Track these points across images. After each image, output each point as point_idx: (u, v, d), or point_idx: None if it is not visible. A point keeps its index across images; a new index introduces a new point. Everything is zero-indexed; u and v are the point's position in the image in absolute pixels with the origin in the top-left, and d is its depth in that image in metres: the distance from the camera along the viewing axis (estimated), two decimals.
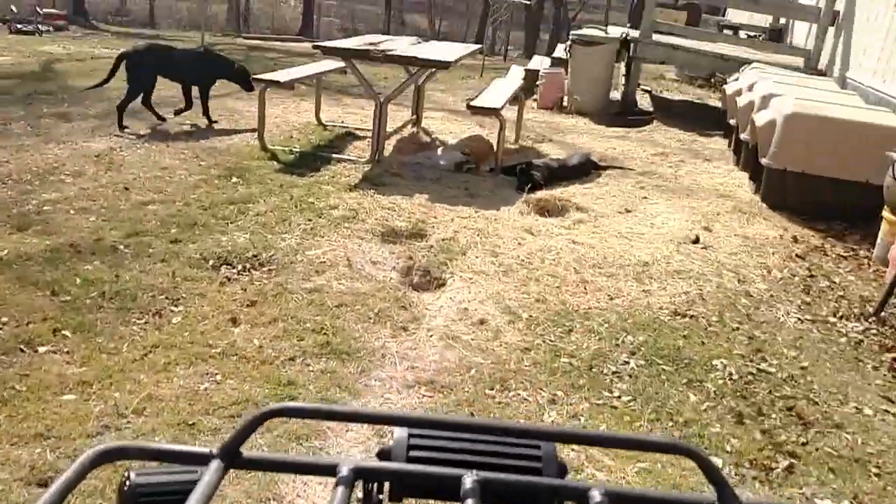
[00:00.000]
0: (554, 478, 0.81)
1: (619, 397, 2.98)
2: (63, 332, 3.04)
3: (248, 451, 0.72)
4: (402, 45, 6.49)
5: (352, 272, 3.89)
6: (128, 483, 0.71)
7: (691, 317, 3.71)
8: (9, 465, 2.26)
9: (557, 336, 3.42)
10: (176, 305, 3.40)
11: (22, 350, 2.88)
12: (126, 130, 6.23)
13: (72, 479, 0.64)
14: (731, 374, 3.22)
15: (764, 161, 5.45)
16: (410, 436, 0.82)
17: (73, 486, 0.64)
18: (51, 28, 13.87)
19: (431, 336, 3.33)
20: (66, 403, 2.57)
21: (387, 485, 0.81)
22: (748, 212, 5.35)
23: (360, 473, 0.71)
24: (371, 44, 6.23)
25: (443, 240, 4.42)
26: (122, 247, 3.94)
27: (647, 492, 0.88)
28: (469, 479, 0.70)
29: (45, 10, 15.21)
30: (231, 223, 4.41)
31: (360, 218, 4.62)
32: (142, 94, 6.47)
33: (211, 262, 3.87)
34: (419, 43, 6.97)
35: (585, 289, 3.94)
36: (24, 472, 2.23)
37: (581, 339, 3.40)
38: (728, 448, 2.69)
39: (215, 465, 0.68)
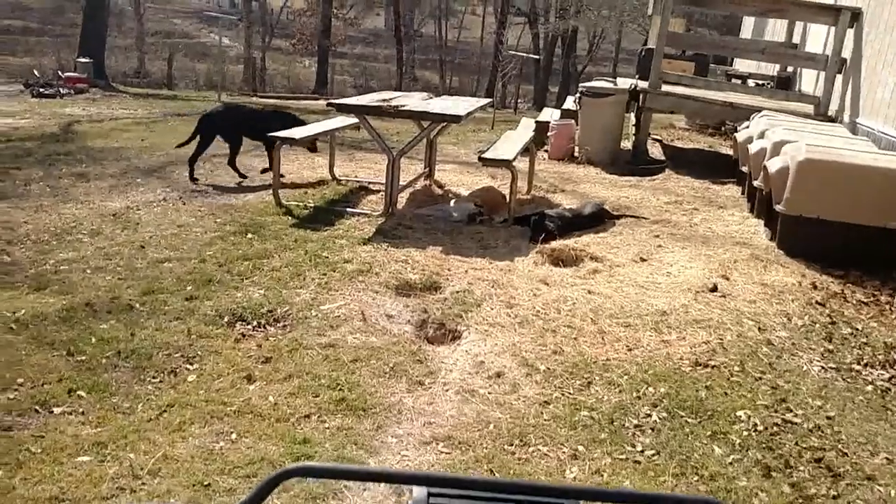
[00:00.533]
0: None
1: (643, 451, 2.91)
2: (78, 392, 3.03)
3: None
4: (414, 100, 6.59)
5: (366, 326, 3.87)
6: None
7: (713, 367, 3.64)
8: None
9: (576, 389, 3.37)
10: (191, 363, 3.38)
11: (37, 411, 2.87)
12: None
13: None
14: (755, 425, 3.14)
15: (778, 208, 5.42)
16: (430, 495, 0.82)
17: None
18: (72, 91, 14.22)
19: (448, 390, 3.29)
20: (80, 465, 2.55)
21: None
22: (765, 259, 5.30)
23: None
24: (383, 100, 6.33)
25: (457, 292, 4.41)
26: (137, 305, 3.95)
27: None
28: None
29: (66, 73, 15.63)
30: (246, 279, 4.42)
31: (374, 271, 4.62)
32: (229, 154, 6.96)
33: (226, 319, 3.87)
34: (430, 98, 7.08)
35: (603, 339, 3.89)
36: None
37: (601, 392, 3.34)
38: (756, 502, 2.61)
39: None
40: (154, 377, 3.23)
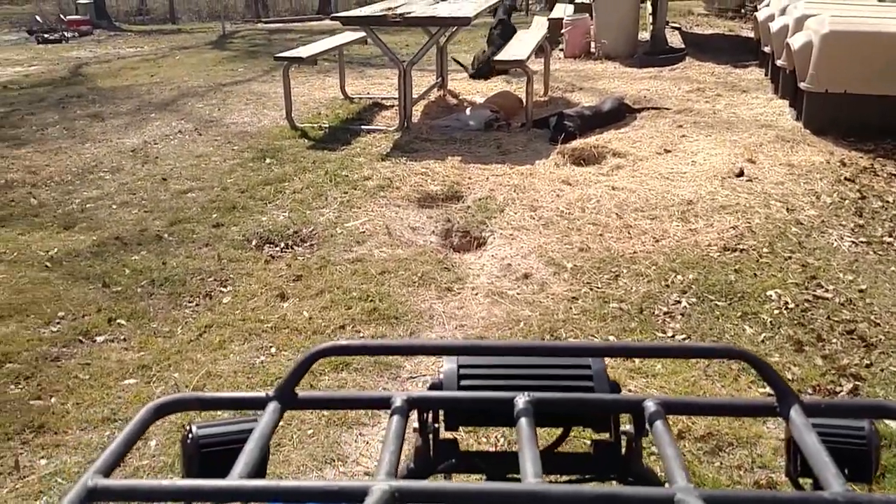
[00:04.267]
0: (606, 393, 0.80)
1: (673, 336, 2.94)
2: (118, 320, 3.11)
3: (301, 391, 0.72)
4: (420, 6, 6.39)
5: (392, 240, 3.89)
6: (190, 436, 0.74)
7: (741, 250, 3.62)
8: (81, 448, 2.33)
9: (604, 283, 3.38)
10: (224, 286, 3.45)
11: (81, 341, 2.96)
12: (157, 125, 6.34)
13: (134, 432, 0.65)
14: (786, 303, 3.14)
15: (803, 85, 5.26)
16: (460, 366, 0.82)
17: (136, 439, 0.65)
18: (76, 34, 14.04)
19: (477, 294, 3.32)
20: (128, 387, 2.64)
21: (441, 415, 0.82)
22: (791, 139, 5.18)
23: (413, 403, 0.71)
24: (389, 9, 6.15)
25: (479, 199, 4.39)
26: (166, 235, 4.01)
27: (702, 399, 0.85)
28: (521, 399, 0.69)
29: (68, 17, 15.41)
30: (269, 203, 4.44)
31: (395, 186, 4.61)
32: None
33: (254, 242, 3.91)
34: (437, 2, 6.87)
35: (629, 233, 3.87)
36: (97, 455, 2.29)
37: (629, 284, 3.35)
38: (790, 375, 2.64)
39: (272, 406, 0.69)
40: (190, 301, 3.30)
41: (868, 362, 2.72)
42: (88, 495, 0.55)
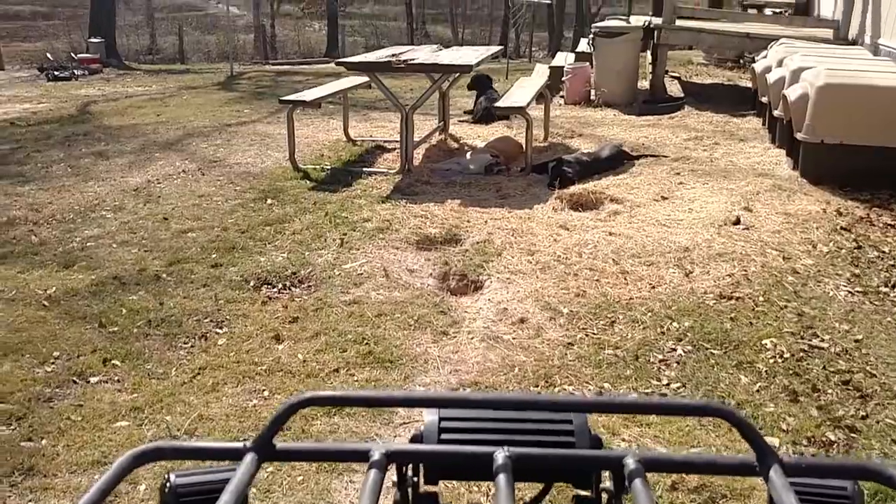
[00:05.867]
0: (587, 449, 0.80)
1: (668, 384, 2.93)
2: (113, 361, 3.11)
3: (280, 442, 0.72)
4: (424, 53, 6.52)
5: (389, 282, 3.90)
6: (168, 484, 0.72)
7: (737, 298, 3.63)
8: (69, 492, 2.32)
9: (600, 329, 3.38)
10: (220, 327, 3.45)
11: (75, 382, 2.96)
12: (161, 164, 6.40)
13: (111, 480, 0.64)
14: (782, 352, 3.14)
15: (799, 136, 5.33)
16: (441, 418, 0.81)
17: (112, 488, 0.64)
18: (86, 72, 14.27)
19: (472, 338, 3.33)
20: (119, 430, 2.63)
21: (421, 469, 0.81)
22: (788, 188, 5.22)
23: (392, 457, 0.70)
24: (393, 55, 6.28)
25: (477, 242, 4.42)
26: (164, 275, 4.03)
27: (682, 456, 0.85)
28: (501, 454, 0.68)
29: (79, 55, 15.68)
30: (269, 244, 4.47)
31: (394, 228, 4.64)
32: None
33: (252, 283, 3.93)
34: (440, 50, 7.00)
35: (626, 279, 3.89)
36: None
37: (625, 330, 3.36)
38: (784, 427, 2.63)
39: (249, 458, 0.68)
40: (185, 342, 3.31)
41: (864, 414, 2.71)
42: None
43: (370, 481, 0.66)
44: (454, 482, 2.15)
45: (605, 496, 0.80)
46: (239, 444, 0.70)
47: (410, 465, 0.81)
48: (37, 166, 6.42)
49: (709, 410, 0.79)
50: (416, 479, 0.82)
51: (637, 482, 0.66)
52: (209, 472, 0.73)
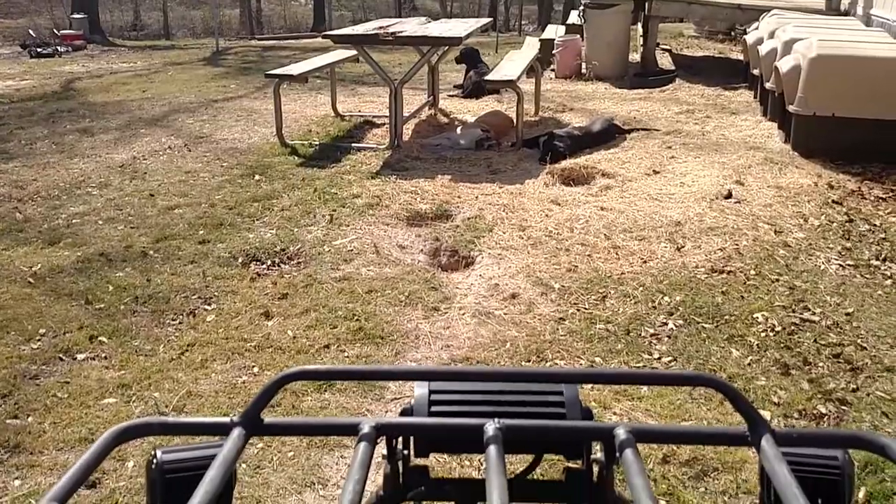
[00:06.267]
0: (578, 420, 0.78)
1: (660, 358, 2.92)
2: (99, 338, 3.08)
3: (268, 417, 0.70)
4: (412, 26, 6.43)
5: (379, 258, 3.87)
6: (155, 461, 0.72)
7: (729, 272, 3.62)
8: (56, 469, 2.29)
9: (591, 304, 3.37)
10: (209, 304, 3.42)
11: (61, 359, 2.92)
12: (146, 140, 6.30)
13: (94, 457, 0.63)
14: (773, 326, 3.14)
15: (791, 108, 5.30)
16: (431, 391, 0.80)
17: (97, 464, 0.63)
18: (69, 49, 14.03)
19: (464, 314, 3.30)
20: (107, 407, 2.60)
21: (412, 442, 0.81)
22: (780, 162, 5.21)
23: (381, 430, 0.69)
24: (381, 28, 6.18)
25: (468, 218, 4.38)
26: (151, 252, 3.98)
27: (673, 427, 0.83)
28: (491, 426, 0.68)
29: (62, 31, 15.41)
30: (257, 220, 4.42)
31: (384, 204, 4.60)
32: None
33: (240, 260, 3.88)
34: (429, 23, 6.91)
35: (617, 254, 3.87)
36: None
37: (616, 305, 3.34)
38: (775, 399, 2.62)
39: (236, 432, 0.67)
40: (173, 319, 3.27)
41: (854, 387, 2.71)
42: None
43: (360, 454, 0.65)
44: (446, 457, 2.14)
45: (595, 467, 0.80)
46: (226, 420, 0.68)
47: (401, 439, 0.80)
48: (20, 143, 6.32)
49: (700, 381, 0.78)
50: (406, 452, 0.81)
51: (628, 452, 0.65)
52: (196, 449, 0.72)
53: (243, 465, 2.24)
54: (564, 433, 0.76)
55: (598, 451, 0.79)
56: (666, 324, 3.17)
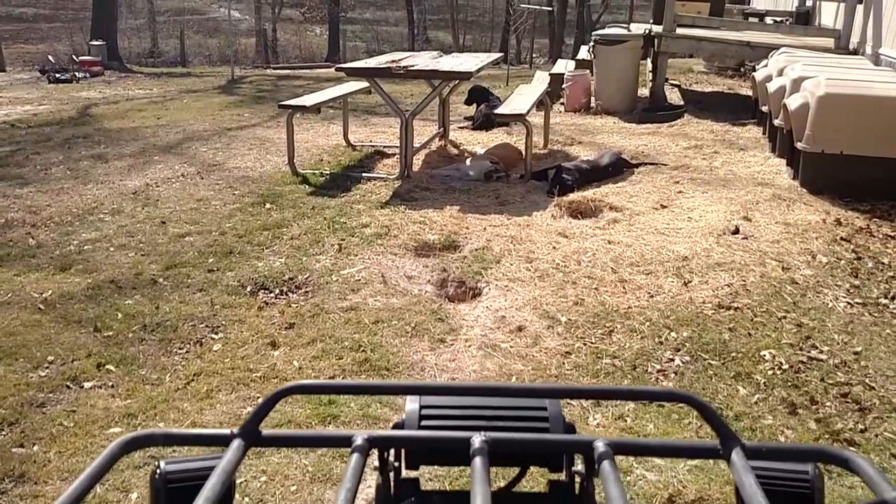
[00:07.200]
0: (560, 434, 0.82)
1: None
2: (107, 366, 3.09)
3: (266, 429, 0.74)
4: (424, 59, 6.52)
5: (387, 288, 3.89)
6: (158, 471, 0.75)
7: (736, 309, 3.61)
8: None
9: (598, 338, 3.37)
10: (216, 333, 3.43)
11: (69, 387, 2.94)
12: (159, 167, 6.37)
13: (101, 467, 0.66)
14: (780, 364, 3.12)
15: (799, 145, 5.32)
16: (422, 406, 0.84)
17: (102, 475, 0.66)
18: (87, 74, 14.26)
19: (470, 346, 3.31)
20: (112, 437, 2.61)
21: (403, 454, 0.84)
22: (788, 198, 5.21)
23: (373, 442, 0.73)
24: (393, 61, 6.27)
25: (476, 249, 4.40)
26: (161, 279, 4.01)
27: (649, 441, 0.88)
28: (478, 439, 0.71)
29: (80, 57, 15.68)
30: (266, 248, 4.46)
31: (393, 234, 4.63)
32: None
33: (248, 288, 3.91)
34: (440, 56, 7.00)
35: (624, 288, 3.87)
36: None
37: (623, 340, 3.34)
38: (782, 439, 2.61)
39: (236, 443, 0.70)
40: (180, 348, 3.28)
41: (862, 427, 2.69)
42: None
43: (352, 465, 0.68)
44: (438, 471, 2.17)
45: (577, 479, 0.84)
46: (226, 431, 0.72)
47: (392, 452, 0.84)
48: (36, 168, 6.41)
49: (674, 397, 0.82)
50: (397, 464, 0.85)
51: (605, 464, 0.68)
52: (197, 460, 0.76)
53: (246, 500, 2.24)
54: (547, 446, 0.79)
55: (579, 464, 0.81)
56: (672, 360, 3.16)
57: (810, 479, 0.75)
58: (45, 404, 2.81)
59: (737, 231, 4.60)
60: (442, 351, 3.28)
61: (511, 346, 3.30)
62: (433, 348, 3.30)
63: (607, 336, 3.38)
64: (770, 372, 3.06)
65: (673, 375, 3.04)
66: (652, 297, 3.76)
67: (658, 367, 3.11)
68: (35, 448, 2.53)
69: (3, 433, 2.61)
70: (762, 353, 3.20)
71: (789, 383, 2.98)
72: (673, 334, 3.36)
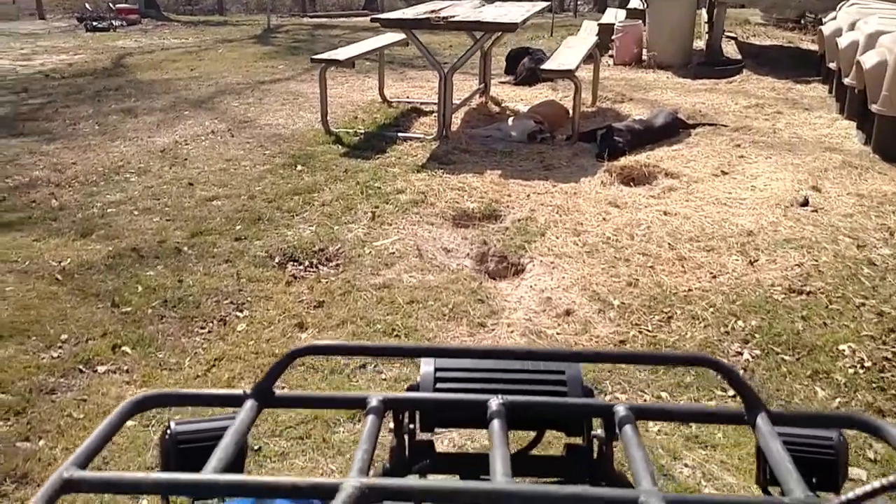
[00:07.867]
0: (578, 398, 0.80)
1: (735, 397, 2.60)
2: (123, 348, 2.88)
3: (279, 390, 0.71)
4: (465, 9, 6.11)
5: (422, 263, 3.61)
6: (168, 432, 0.75)
7: (808, 293, 3.26)
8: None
9: (655, 325, 3.06)
10: (241, 311, 3.20)
11: (81, 371, 2.74)
12: (189, 123, 6.13)
13: (113, 425, 0.64)
14: (861, 360, 2.79)
15: (874, 108, 4.86)
16: (437, 368, 0.83)
17: (114, 433, 0.64)
18: (124, 23, 14.05)
19: (512, 332, 3.03)
20: (123, 431, 2.39)
21: (418, 417, 0.83)
22: (859, 166, 4.78)
23: (388, 404, 0.71)
24: (432, 11, 5.88)
25: (519, 220, 4.09)
26: (185, 248, 3.78)
27: (671, 406, 0.88)
28: (495, 402, 0.69)
29: (118, 5, 15.45)
30: (296, 215, 4.20)
31: (429, 201, 4.33)
32: None
33: (277, 260, 3.67)
34: (483, 5, 6.57)
35: (683, 267, 3.54)
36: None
37: (683, 328, 3.03)
38: (871, 455, 2.29)
39: (249, 404, 0.68)
40: (202, 327, 3.06)
41: None
42: (64, 486, 0.55)
43: (368, 427, 0.66)
44: (451, 435, 2.10)
45: (596, 444, 0.83)
46: (239, 392, 0.70)
47: (407, 414, 0.83)
48: (64, 123, 6.22)
49: (698, 361, 0.78)
50: (412, 427, 0.84)
51: (627, 427, 0.66)
52: (208, 420, 0.75)
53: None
54: (566, 410, 0.77)
55: (598, 428, 0.80)
56: (741, 353, 2.85)
57: (834, 445, 0.73)
58: (56, 391, 2.61)
59: (806, 203, 4.22)
60: (482, 337, 3.01)
61: (558, 333, 3.02)
62: (472, 333, 3.03)
63: (665, 323, 3.07)
64: (851, 371, 2.73)
65: (742, 373, 2.72)
66: (714, 277, 3.43)
67: (725, 362, 2.79)
68: (41, 443, 2.33)
69: (10, 423, 2.42)
70: (840, 348, 2.86)
71: (874, 385, 2.65)
72: (740, 322, 3.04)
